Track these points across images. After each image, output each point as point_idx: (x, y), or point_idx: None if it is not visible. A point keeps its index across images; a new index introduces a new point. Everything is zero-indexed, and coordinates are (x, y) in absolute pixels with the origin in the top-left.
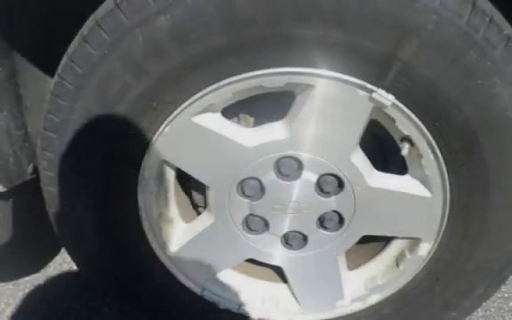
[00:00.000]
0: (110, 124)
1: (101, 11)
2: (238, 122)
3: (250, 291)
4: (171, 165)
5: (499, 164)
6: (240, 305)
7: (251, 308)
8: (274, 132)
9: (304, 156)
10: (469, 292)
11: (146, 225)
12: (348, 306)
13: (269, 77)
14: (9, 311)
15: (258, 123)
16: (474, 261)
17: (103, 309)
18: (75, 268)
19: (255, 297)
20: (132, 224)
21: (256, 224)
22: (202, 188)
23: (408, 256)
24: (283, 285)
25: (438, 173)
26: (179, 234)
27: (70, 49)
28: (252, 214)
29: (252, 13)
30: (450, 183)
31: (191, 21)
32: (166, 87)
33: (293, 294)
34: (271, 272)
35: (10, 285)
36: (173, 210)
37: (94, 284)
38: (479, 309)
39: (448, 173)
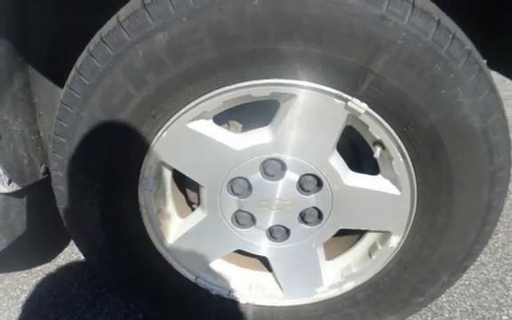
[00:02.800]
0: (114, 130)
1: (106, 28)
2: (228, 127)
3: (239, 278)
4: (168, 166)
5: (461, 165)
6: (230, 291)
7: (239, 294)
8: (260, 136)
9: (287, 158)
10: (435, 280)
11: (146, 220)
12: (326, 292)
13: (256, 88)
14: (23, 297)
15: (246, 128)
16: (439, 253)
17: (107, 295)
18: (82, 258)
19: (243, 284)
20: (133, 219)
21: (244, 219)
22: (195, 187)
23: (379, 247)
24: (268, 274)
25: (407, 174)
26: (175, 228)
27: (78, 62)
28: (240, 210)
29: (241, 31)
30: (417, 182)
31: (186, 38)
32: (164, 96)
33: (277, 281)
34: (258, 262)
35: (24, 274)
36: (170, 206)
37: (99, 273)
38: (443, 295)
39: (415, 174)
